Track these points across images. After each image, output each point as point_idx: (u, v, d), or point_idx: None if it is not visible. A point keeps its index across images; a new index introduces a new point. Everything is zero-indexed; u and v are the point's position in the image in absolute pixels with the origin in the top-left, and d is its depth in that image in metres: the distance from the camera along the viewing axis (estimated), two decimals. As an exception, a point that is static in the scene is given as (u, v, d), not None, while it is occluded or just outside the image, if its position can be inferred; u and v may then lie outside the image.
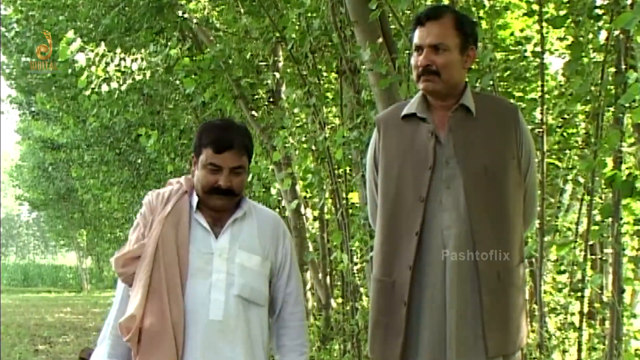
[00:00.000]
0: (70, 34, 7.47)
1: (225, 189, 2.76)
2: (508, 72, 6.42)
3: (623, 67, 4.42)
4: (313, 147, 7.32)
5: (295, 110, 7.78)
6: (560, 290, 6.33)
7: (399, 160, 2.93)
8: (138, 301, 2.68)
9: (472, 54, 2.91)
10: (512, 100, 6.24)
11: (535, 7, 5.30)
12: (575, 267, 5.59)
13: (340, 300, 8.27)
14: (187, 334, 2.70)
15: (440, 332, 2.79)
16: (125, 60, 7.75)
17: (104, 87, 7.70)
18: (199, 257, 2.77)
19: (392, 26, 5.42)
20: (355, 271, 7.01)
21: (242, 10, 8.06)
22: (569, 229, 6.63)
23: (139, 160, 16.24)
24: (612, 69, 4.60)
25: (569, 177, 6.44)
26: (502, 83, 6.40)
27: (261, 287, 2.84)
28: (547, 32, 6.00)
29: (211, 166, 2.75)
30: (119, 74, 7.77)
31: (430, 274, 2.82)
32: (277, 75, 8.11)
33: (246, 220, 2.88)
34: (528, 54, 6.35)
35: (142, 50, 8.05)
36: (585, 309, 5.62)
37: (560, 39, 6.56)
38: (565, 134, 6.55)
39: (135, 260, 2.75)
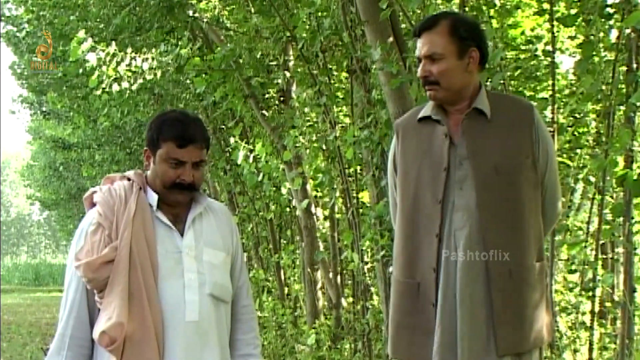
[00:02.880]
0: (81, 33, 7.48)
1: (188, 184, 2.68)
2: (519, 71, 6.41)
3: (634, 65, 4.39)
4: (323, 147, 7.33)
5: (306, 110, 7.78)
6: (571, 290, 6.30)
7: (417, 162, 2.96)
8: (119, 308, 2.54)
9: (475, 55, 2.91)
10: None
11: (546, 5, 5.29)
12: (586, 267, 5.57)
13: (350, 299, 8.26)
14: (166, 337, 2.60)
15: (452, 333, 2.80)
16: (135, 59, 7.75)
17: (115, 87, 7.70)
18: (168, 256, 2.67)
19: (403, 25, 5.42)
20: (365, 270, 7.01)
21: (252, 10, 8.07)
22: (580, 228, 6.60)
23: (150, 160, 16.23)
24: (624, 68, 4.57)
25: (580, 176, 6.41)
26: (512, 82, 6.38)
27: (228, 283, 2.80)
28: (557, 31, 6.00)
29: (173, 161, 2.66)
30: (129, 73, 7.78)
31: (445, 275, 2.83)
32: (288, 74, 8.10)
33: (205, 216, 2.82)
34: (539, 52, 6.33)
35: (153, 50, 8.06)
36: (597, 309, 5.60)
37: (571, 38, 6.55)
38: (576, 133, 6.52)
39: (108, 264, 2.58)
